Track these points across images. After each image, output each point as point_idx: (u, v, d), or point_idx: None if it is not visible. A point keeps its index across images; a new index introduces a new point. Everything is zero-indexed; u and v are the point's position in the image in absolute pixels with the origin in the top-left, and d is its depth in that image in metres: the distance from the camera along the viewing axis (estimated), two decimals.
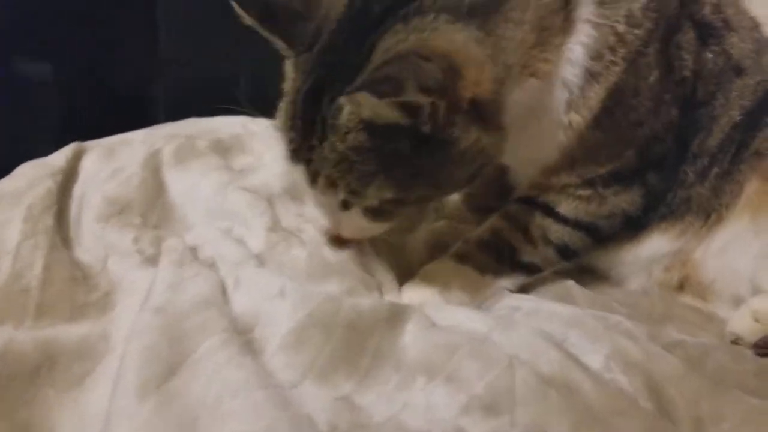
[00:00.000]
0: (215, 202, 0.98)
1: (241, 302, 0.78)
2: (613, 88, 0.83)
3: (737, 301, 0.96)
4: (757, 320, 0.90)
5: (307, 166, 0.79)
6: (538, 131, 0.86)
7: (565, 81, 0.83)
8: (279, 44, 0.81)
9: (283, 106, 0.82)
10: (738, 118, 0.94)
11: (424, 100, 0.69)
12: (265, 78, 0.87)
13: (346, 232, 0.86)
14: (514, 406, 0.66)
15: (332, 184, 0.78)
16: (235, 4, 0.79)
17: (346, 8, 0.77)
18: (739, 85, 0.94)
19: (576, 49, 0.82)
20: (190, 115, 1.27)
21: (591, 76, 0.83)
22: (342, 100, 0.72)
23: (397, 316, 0.77)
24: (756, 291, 0.95)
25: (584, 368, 0.72)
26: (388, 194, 0.77)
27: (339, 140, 0.74)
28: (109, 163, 1.04)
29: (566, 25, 0.81)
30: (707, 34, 0.92)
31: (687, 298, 1.01)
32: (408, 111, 0.71)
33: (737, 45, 0.95)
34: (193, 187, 1.00)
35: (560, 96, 0.83)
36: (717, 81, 0.93)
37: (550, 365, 0.71)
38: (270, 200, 0.99)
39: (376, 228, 0.85)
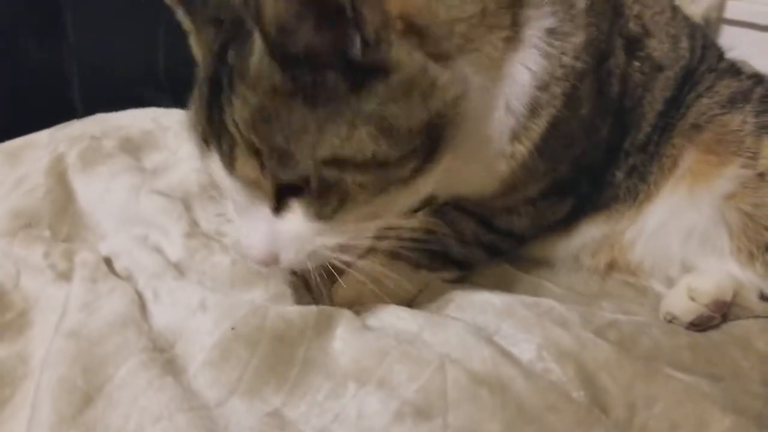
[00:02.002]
0: (128, 207, 0.96)
1: (160, 317, 0.78)
2: (552, 121, 0.84)
3: (668, 283, 1.00)
4: (692, 299, 0.93)
5: (220, 143, 0.70)
6: (481, 164, 0.85)
7: (512, 107, 0.82)
8: (180, 14, 0.78)
9: (193, 96, 0.75)
10: (662, 108, 0.98)
11: None
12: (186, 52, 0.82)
13: (286, 254, 0.74)
14: (446, 408, 0.68)
15: (254, 153, 0.67)
16: None
17: None
18: (661, 80, 0.98)
19: (523, 72, 0.81)
20: (107, 100, 1.24)
21: (537, 106, 0.83)
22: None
23: (326, 320, 0.78)
24: (686, 270, 0.99)
25: (516, 362, 0.75)
26: (326, 150, 0.67)
27: (250, 87, 0.66)
28: (12, 170, 1.02)
29: (513, 32, 0.80)
30: (633, 46, 0.95)
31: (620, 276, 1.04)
32: (323, 16, 0.62)
33: (657, 47, 0.98)
34: (103, 192, 0.99)
35: (506, 122, 0.83)
36: (644, 84, 0.96)
37: (482, 363, 0.73)
38: (187, 201, 0.98)
39: (324, 239, 0.74)
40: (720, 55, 1.10)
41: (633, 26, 0.95)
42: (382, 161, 0.68)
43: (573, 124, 0.87)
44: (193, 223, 0.94)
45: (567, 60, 0.82)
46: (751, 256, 0.94)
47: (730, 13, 1.72)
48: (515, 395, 0.70)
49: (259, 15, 0.62)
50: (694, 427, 0.72)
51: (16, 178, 0.99)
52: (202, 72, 0.75)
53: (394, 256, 0.92)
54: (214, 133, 0.70)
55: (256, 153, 0.67)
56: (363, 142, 0.67)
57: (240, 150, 0.68)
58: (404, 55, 0.67)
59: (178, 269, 0.86)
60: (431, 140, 0.71)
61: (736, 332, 0.93)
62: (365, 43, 0.64)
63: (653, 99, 0.97)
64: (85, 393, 0.66)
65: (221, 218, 0.96)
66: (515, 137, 0.83)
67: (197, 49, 0.78)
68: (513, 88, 0.80)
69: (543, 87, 0.82)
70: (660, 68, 0.97)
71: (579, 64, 0.83)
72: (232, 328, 0.74)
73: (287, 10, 0.62)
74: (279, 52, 0.64)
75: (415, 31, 0.68)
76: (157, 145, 1.13)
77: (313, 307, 0.79)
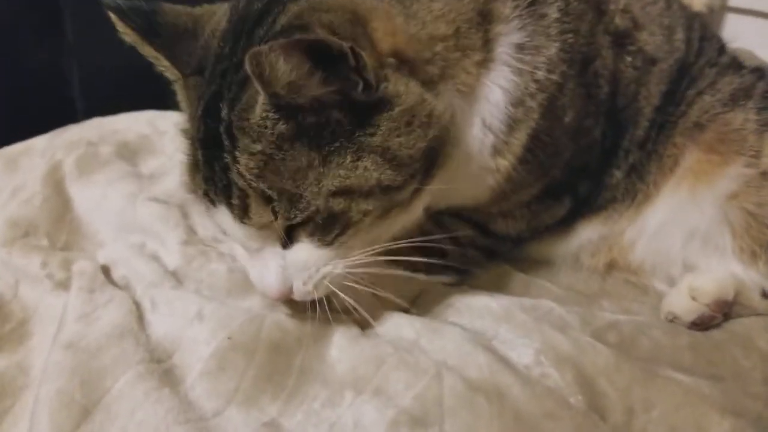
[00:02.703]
0: (125, 215, 0.97)
1: (158, 327, 0.79)
2: (532, 133, 0.85)
3: (669, 282, 1.00)
4: (694, 298, 0.94)
5: (229, 197, 0.71)
6: (468, 178, 0.87)
7: (488, 124, 0.83)
8: (164, 65, 0.79)
9: (186, 153, 0.76)
10: (658, 102, 0.98)
11: (337, 43, 0.64)
12: None
13: (297, 284, 0.75)
14: (442, 417, 0.69)
15: (266, 201, 0.69)
16: (115, 18, 0.76)
17: (228, 21, 0.76)
18: (656, 73, 0.98)
19: (496, 91, 0.82)
20: (107, 99, 1.24)
21: (513, 122, 0.84)
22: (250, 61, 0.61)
23: (322, 328, 0.79)
24: (688, 270, 0.99)
25: (514, 369, 0.75)
26: (333, 182, 0.69)
27: (254, 140, 0.68)
28: (10, 178, 1.03)
29: (485, 52, 0.81)
30: (622, 40, 0.95)
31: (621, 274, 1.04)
32: (329, 68, 0.65)
33: (649, 40, 0.97)
34: (100, 200, 1.00)
35: (484, 139, 0.84)
36: (637, 80, 0.96)
37: (478, 370, 0.74)
38: (183, 208, 0.99)
39: (332, 265, 0.75)
40: (720, 48, 1.08)
41: (620, 21, 0.94)
42: (386, 187, 0.71)
43: (556, 133, 0.87)
44: (190, 231, 0.95)
45: (540, 74, 0.83)
46: (754, 255, 0.94)
47: (734, 1, 1.71)
48: (512, 402, 0.71)
49: (269, 78, 0.63)
50: (693, 431, 0.73)
51: (13, 187, 1.00)
52: (191, 130, 0.76)
53: (392, 261, 0.92)
54: (219, 190, 0.71)
55: (268, 200, 0.69)
56: (368, 171, 0.70)
57: (252, 200, 0.70)
58: (402, 86, 0.71)
59: (176, 277, 0.87)
60: (428, 162, 0.74)
61: (737, 331, 0.93)
62: (366, 84, 0.67)
63: (649, 93, 0.97)
64: (83, 406, 0.67)
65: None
66: (497, 152, 0.85)
67: (183, 99, 0.79)
68: (488, 107, 0.82)
69: (517, 103, 0.83)
70: (653, 61, 0.97)
71: (554, 77, 0.84)
72: (229, 338, 0.75)
73: (298, 69, 0.64)
74: (285, 106, 0.66)
75: (406, 62, 0.72)
76: (153, 149, 1.14)
77: (309, 315, 0.79)
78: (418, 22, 0.76)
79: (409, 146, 0.71)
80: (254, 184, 0.68)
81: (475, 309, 0.87)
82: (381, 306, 0.86)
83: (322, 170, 0.69)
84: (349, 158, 0.69)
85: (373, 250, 0.76)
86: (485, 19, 0.80)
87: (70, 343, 0.74)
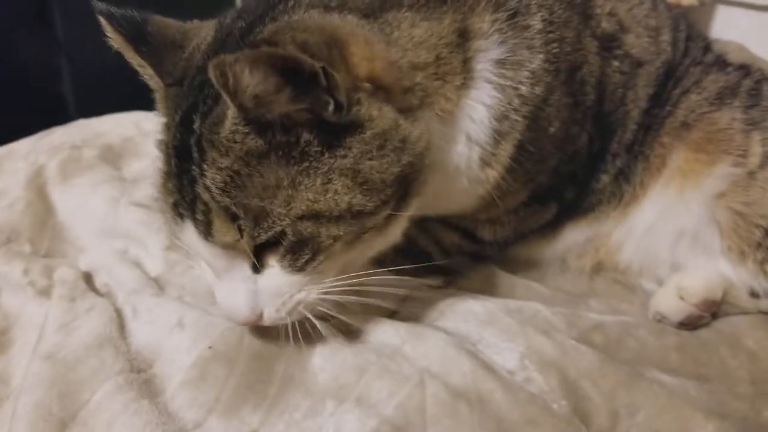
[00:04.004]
0: (107, 220, 0.97)
1: (139, 335, 0.79)
2: (518, 144, 0.84)
3: (657, 281, 1.00)
4: (682, 298, 0.93)
5: (194, 211, 0.69)
6: (459, 190, 0.86)
7: (474, 139, 0.82)
8: (148, 74, 0.78)
9: (161, 163, 0.75)
10: (646, 105, 0.97)
11: (308, 62, 0.62)
12: None
13: (269, 311, 0.73)
14: (425, 425, 0.69)
15: (230, 218, 0.68)
16: (104, 23, 0.75)
17: (212, 37, 0.76)
18: (643, 75, 0.97)
19: (479, 109, 0.81)
20: (97, 94, 1.24)
21: (499, 135, 0.83)
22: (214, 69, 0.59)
23: (305, 335, 0.77)
24: (676, 270, 0.99)
25: (497, 375, 0.75)
26: (301, 205, 0.68)
27: (222, 154, 0.66)
28: None
29: (465, 72, 0.79)
30: (608, 44, 0.94)
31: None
32: (299, 86, 0.64)
33: (635, 43, 0.97)
34: (82, 205, 0.99)
35: (471, 153, 0.83)
36: (624, 84, 0.96)
37: (462, 376, 0.73)
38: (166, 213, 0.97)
39: (305, 291, 0.73)
40: (706, 47, 1.08)
41: (606, 24, 0.93)
42: (357, 212, 0.70)
43: (542, 143, 0.86)
44: (173, 236, 0.94)
45: (524, 89, 0.82)
46: (743, 255, 0.94)
47: None
48: (495, 409, 0.70)
49: (234, 88, 0.62)
50: None
51: None
52: (165, 137, 0.75)
53: (378, 263, 0.91)
54: (186, 203, 0.70)
55: (233, 217, 0.68)
56: (338, 194, 0.68)
57: (215, 216, 0.68)
58: (375, 110, 0.70)
59: (158, 284, 0.87)
60: (403, 188, 0.72)
61: (725, 330, 0.93)
62: (338, 106, 0.66)
63: (636, 96, 0.96)
64: (60, 420, 0.66)
65: None
66: (485, 164, 0.84)
67: (162, 108, 0.79)
68: (471, 125, 0.81)
69: (501, 118, 0.82)
70: (639, 64, 0.96)
71: (538, 90, 0.82)
72: (210, 347, 0.74)
73: (265, 83, 0.62)
74: (254, 121, 0.65)
75: (382, 88, 0.70)
76: (137, 152, 1.13)
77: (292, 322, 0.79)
78: (399, 50, 0.74)
79: (381, 170, 0.70)
80: (219, 199, 0.67)
81: (460, 313, 0.86)
82: (365, 311, 0.85)
83: (290, 192, 0.67)
84: (318, 181, 0.68)
85: (348, 277, 0.74)
86: (464, 37, 0.79)
87: (49, 354, 0.73)
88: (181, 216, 0.71)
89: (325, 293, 0.74)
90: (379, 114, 0.70)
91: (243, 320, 0.73)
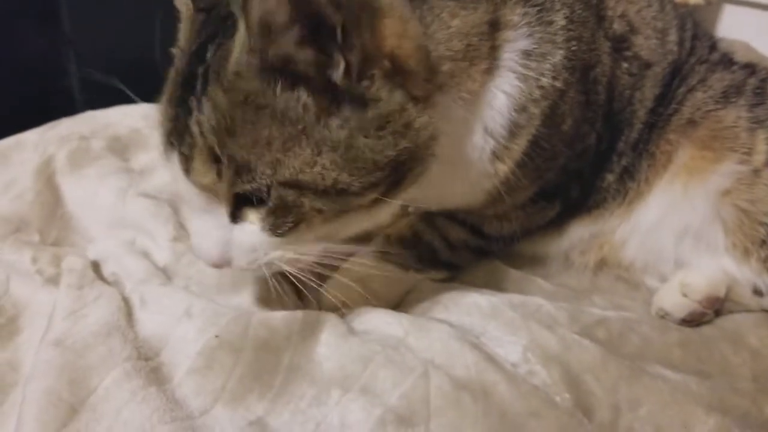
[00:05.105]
0: (116, 210, 0.97)
1: (146, 324, 0.79)
2: (532, 139, 0.85)
3: (660, 278, 1.01)
4: (685, 295, 0.94)
5: (181, 143, 0.68)
6: (467, 183, 0.86)
7: (490, 130, 0.82)
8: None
9: (165, 88, 0.74)
10: (652, 105, 0.98)
11: (328, 10, 0.61)
12: None
13: (238, 261, 0.74)
14: (428, 416, 0.69)
15: (212, 160, 0.67)
16: None
17: None
18: (650, 77, 0.98)
19: (500, 97, 0.81)
20: (104, 88, 1.24)
21: (515, 127, 0.83)
22: None
23: (311, 325, 0.79)
24: (680, 267, 0.99)
25: (500, 367, 0.75)
26: (286, 172, 0.66)
27: (224, 90, 0.65)
28: (2, 173, 1.03)
29: (491, 59, 0.79)
30: (619, 45, 0.95)
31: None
32: (313, 34, 0.62)
33: (644, 44, 0.97)
34: (91, 195, 1.00)
35: (485, 145, 0.83)
36: (632, 85, 0.96)
37: (465, 368, 0.74)
38: (174, 203, 0.99)
39: (278, 252, 0.74)
40: (712, 45, 1.08)
41: (618, 25, 0.94)
42: (342, 190, 0.69)
43: (555, 140, 0.87)
44: (180, 227, 0.95)
45: (545, 81, 0.82)
46: (747, 252, 0.94)
47: None
48: (498, 401, 0.71)
49: (246, 7, 0.61)
50: (679, 429, 0.73)
51: (5, 182, 1.00)
52: (177, 62, 0.74)
53: (382, 256, 0.92)
54: (177, 133, 0.69)
55: (215, 160, 0.67)
56: (325, 169, 0.67)
57: (198, 154, 0.67)
58: (385, 93, 0.67)
59: (165, 274, 0.88)
60: (396, 174, 0.71)
61: (728, 327, 0.94)
62: (348, 71, 0.65)
63: (644, 97, 0.97)
64: (70, 405, 0.67)
65: None
66: (496, 157, 0.83)
67: (184, 32, 0.76)
68: (491, 112, 0.81)
69: (521, 109, 0.82)
70: (648, 65, 0.97)
71: (558, 84, 0.83)
72: (216, 336, 0.75)
73: (277, 11, 0.61)
74: (259, 53, 0.64)
75: (401, 72, 0.68)
76: (145, 144, 1.14)
77: (298, 312, 0.80)
78: (432, 40, 0.73)
79: (375, 151, 0.68)
80: (207, 136, 0.66)
81: (464, 306, 0.87)
82: (369, 302, 0.86)
83: (278, 156, 0.66)
84: (308, 150, 0.66)
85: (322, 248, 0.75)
86: (494, 27, 0.79)
87: (58, 341, 0.74)
88: (171, 145, 0.70)
89: (302, 255, 0.74)
90: (387, 98, 0.68)
91: (209, 262, 0.74)
